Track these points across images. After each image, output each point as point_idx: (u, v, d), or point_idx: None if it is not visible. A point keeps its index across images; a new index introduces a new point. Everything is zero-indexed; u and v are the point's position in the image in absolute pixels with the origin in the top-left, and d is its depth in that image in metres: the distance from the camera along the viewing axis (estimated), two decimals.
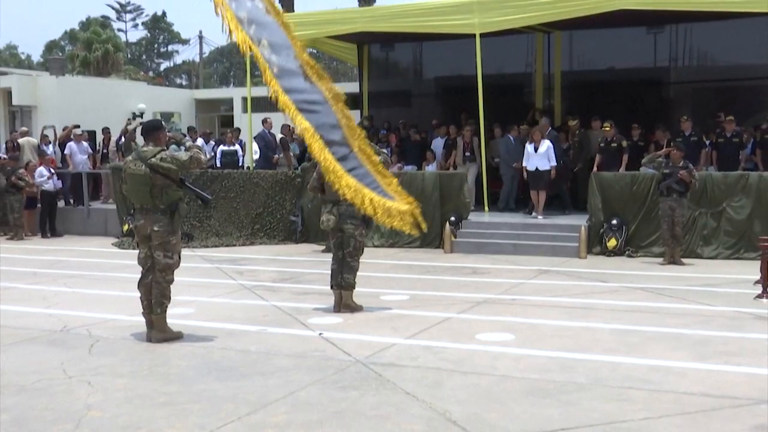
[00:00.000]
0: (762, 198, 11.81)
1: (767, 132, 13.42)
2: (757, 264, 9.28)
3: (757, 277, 9.01)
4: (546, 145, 13.53)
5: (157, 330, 7.01)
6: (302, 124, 6.44)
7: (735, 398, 5.23)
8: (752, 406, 5.07)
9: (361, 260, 8.37)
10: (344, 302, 8.25)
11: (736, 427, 4.71)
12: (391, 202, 6.51)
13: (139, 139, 11.90)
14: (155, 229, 6.90)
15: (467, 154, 15.16)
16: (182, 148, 7.31)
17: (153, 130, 7.11)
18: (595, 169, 13.73)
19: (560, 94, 17.96)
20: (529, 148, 13.68)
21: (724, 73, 16.94)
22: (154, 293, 6.99)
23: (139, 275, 7.15)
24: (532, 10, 13.45)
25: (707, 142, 14.14)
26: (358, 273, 8.32)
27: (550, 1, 13.25)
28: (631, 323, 7.59)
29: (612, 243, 12.36)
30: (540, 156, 13.49)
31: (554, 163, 13.52)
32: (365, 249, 8.60)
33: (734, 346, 6.67)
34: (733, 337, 6.99)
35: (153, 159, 6.81)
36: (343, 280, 8.23)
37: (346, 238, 8.23)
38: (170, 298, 7.09)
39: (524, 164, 13.75)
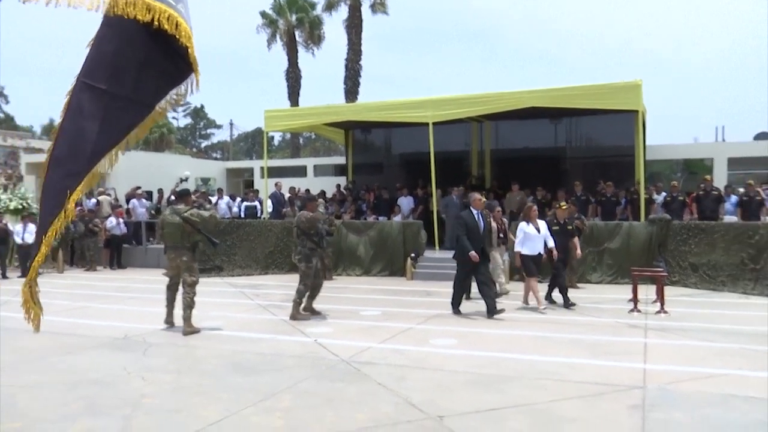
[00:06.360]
0: (631, 240, 11.98)
1: (635, 193, 13.66)
2: (629, 287, 9.37)
3: (630, 296, 9.09)
4: (544, 225, 9.13)
5: (186, 326, 7.46)
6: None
7: (617, 385, 5.22)
8: (629, 391, 5.07)
9: (344, 284, 8.31)
10: (291, 313, 8.22)
11: (617, 406, 4.70)
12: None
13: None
14: (183, 259, 7.59)
15: (501, 236, 10.33)
16: (203, 208, 7.95)
17: (184, 195, 7.89)
18: None
19: (490, 166, 18.25)
20: (528, 228, 8.94)
21: (604, 151, 17.28)
22: (184, 301, 7.47)
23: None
24: (469, 106, 13.69)
25: (593, 200, 14.39)
26: (342, 294, 8.27)
27: (482, 101, 13.53)
28: (543, 331, 7.58)
29: None
30: (541, 237, 8.99)
31: (552, 244, 9.04)
32: (348, 276, 8.54)
33: (616, 347, 6.69)
34: (615, 341, 7.00)
35: (185, 213, 7.51)
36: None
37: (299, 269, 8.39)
38: (194, 304, 7.55)
39: (518, 249, 9.04)
